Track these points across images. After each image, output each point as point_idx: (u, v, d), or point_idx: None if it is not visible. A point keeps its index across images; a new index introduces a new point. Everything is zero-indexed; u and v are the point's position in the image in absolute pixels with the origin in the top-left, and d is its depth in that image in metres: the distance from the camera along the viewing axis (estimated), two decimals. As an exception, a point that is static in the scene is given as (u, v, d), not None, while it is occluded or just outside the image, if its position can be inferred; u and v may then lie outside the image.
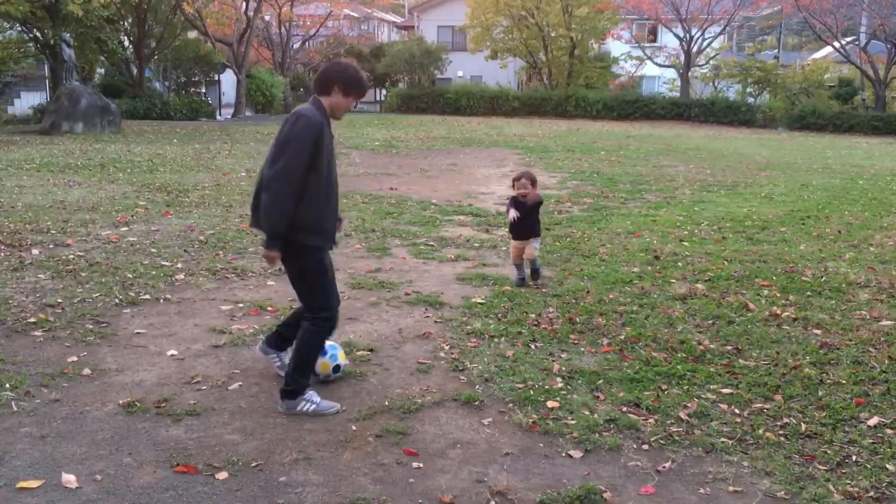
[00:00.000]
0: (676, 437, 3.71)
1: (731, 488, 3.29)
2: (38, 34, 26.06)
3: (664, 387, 4.30)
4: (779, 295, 6.17)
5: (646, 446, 3.64)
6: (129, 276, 6.35)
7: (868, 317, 5.65)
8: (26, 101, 31.23)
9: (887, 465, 3.47)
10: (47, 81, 30.44)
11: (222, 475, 3.28)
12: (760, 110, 32.40)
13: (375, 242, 7.93)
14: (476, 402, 4.08)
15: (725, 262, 7.23)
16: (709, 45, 34.10)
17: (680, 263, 7.20)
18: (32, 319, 5.18)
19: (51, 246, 7.33)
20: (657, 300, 5.97)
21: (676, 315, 5.60)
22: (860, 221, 9.63)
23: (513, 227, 6.39)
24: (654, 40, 38.95)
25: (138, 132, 21.80)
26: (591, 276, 6.69)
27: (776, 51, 43.92)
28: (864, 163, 17.62)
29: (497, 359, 4.69)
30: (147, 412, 3.88)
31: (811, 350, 4.92)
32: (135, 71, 30.75)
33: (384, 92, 45.48)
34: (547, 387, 4.26)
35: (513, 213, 6.25)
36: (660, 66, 35.79)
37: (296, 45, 41.06)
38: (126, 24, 29.88)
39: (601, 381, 4.36)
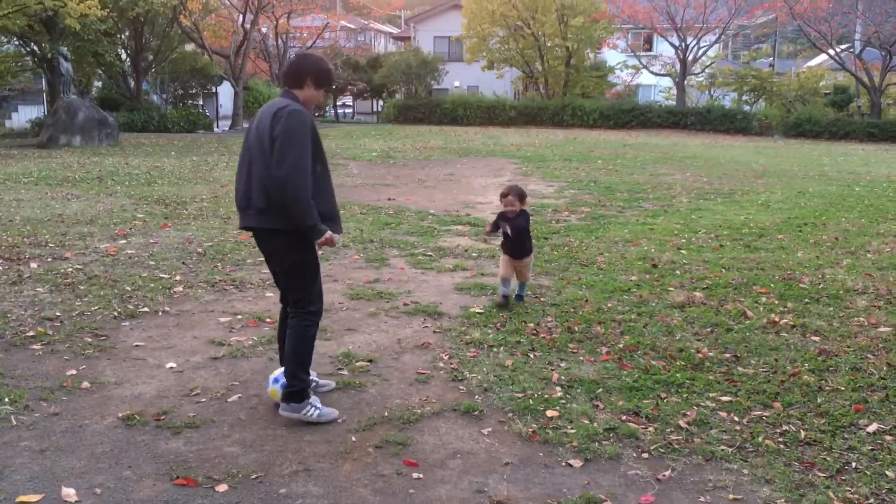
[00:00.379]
0: (676, 446, 3.72)
1: (731, 496, 3.29)
2: (36, 48, 26.14)
3: (663, 395, 4.30)
4: (777, 302, 6.18)
5: (645, 455, 3.64)
6: (128, 288, 6.36)
7: (866, 323, 5.66)
8: (24, 115, 31.31)
9: (887, 472, 3.47)
10: (45, 95, 30.49)
11: (222, 488, 3.28)
12: (756, 118, 32.52)
13: (373, 253, 7.94)
14: (476, 412, 4.08)
15: (723, 270, 7.24)
16: (704, 53, 34.25)
17: (678, 271, 7.22)
18: (31, 333, 5.18)
19: (49, 259, 7.33)
20: (655, 308, 5.98)
21: (675, 323, 5.61)
22: (857, 228, 9.65)
23: (507, 243, 6.05)
24: (650, 49, 39.12)
25: (136, 145, 21.83)
26: (590, 284, 6.70)
27: (771, 59, 44.16)
28: (860, 170, 17.68)
29: (496, 368, 4.69)
30: (146, 425, 3.87)
31: (810, 357, 4.92)
32: (132, 84, 30.83)
33: (381, 103, 45.61)
34: (546, 396, 4.26)
35: (507, 228, 5.95)
36: (656, 74, 35.93)
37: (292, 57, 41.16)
38: (123, 37, 29.96)
39: (600, 390, 4.36)
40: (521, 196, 6.04)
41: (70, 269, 6.92)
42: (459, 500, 3.24)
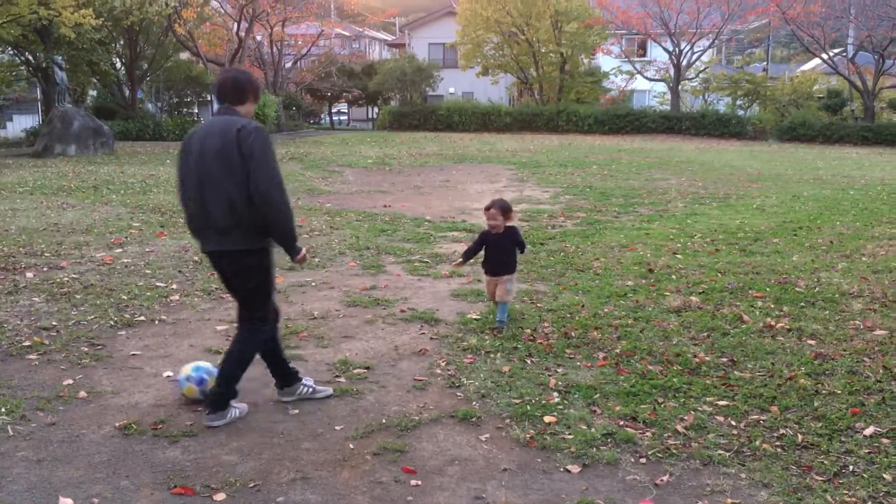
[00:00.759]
0: (674, 450, 3.72)
1: (729, 500, 3.30)
2: (31, 57, 26.15)
3: (660, 400, 4.31)
4: (773, 306, 6.20)
5: (643, 460, 3.64)
6: (124, 297, 6.35)
7: (862, 327, 5.67)
8: (18, 124, 31.27)
9: (884, 475, 3.48)
10: (39, 104, 30.49)
11: (220, 496, 3.28)
12: (750, 122, 32.60)
13: (370, 260, 7.94)
14: (473, 419, 4.08)
15: (719, 275, 7.26)
16: (698, 58, 34.33)
17: (674, 276, 7.23)
18: (27, 343, 5.17)
19: (45, 269, 7.32)
20: (652, 313, 5.99)
21: (671, 328, 5.61)
22: (852, 232, 9.68)
23: (484, 261, 5.80)
24: (644, 55, 39.21)
25: (131, 153, 21.81)
26: (586, 290, 6.71)
27: (765, 63, 44.27)
28: (854, 173, 17.73)
29: (493, 374, 4.69)
30: (144, 434, 3.87)
31: (806, 361, 4.93)
32: (127, 92, 30.83)
33: (376, 109, 45.65)
34: (544, 402, 4.26)
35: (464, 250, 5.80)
36: (650, 80, 36.01)
37: (288, 65, 41.21)
38: (118, 46, 29.99)
39: (598, 396, 4.36)
40: (505, 209, 5.63)
41: (66, 279, 6.91)
42: (458, 506, 3.24)
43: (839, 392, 4.43)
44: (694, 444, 3.79)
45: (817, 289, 6.72)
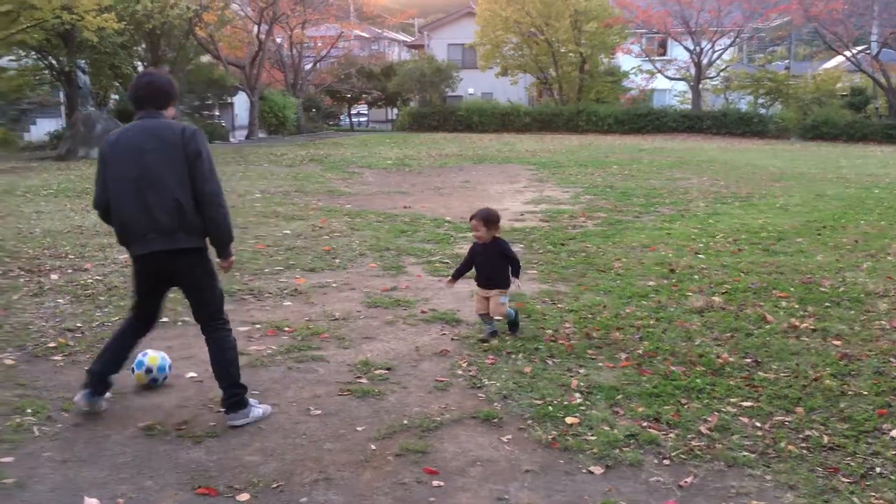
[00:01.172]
0: (698, 452, 3.69)
1: (754, 502, 3.27)
2: (54, 61, 26.43)
3: (684, 401, 4.28)
4: (797, 306, 6.14)
5: (667, 461, 3.62)
6: (147, 299, 6.38)
7: (888, 327, 5.60)
8: (42, 128, 31.63)
9: (912, 477, 3.43)
10: (62, 108, 30.81)
11: (244, 497, 3.29)
12: (772, 121, 32.31)
13: (390, 261, 7.95)
14: (495, 420, 4.08)
15: (742, 275, 7.20)
16: (719, 56, 34.09)
17: (696, 276, 7.18)
18: (52, 344, 5.23)
19: (69, 271, 7.39)
20: (674, 314, 5.95)
21: (694, 328, 5.58)
22: (877, 231, 9.57)
23: (476, 274, 5.58)
24: (664, 53, 39.00)
25: (153, 156, 21.94)
26: (607, 290, 6.68)
27: (787, 61, 43.89)
28: (878, 171, 17.53)
29: (515, 375, 4.68)
30: (167, 434, 3.89)
31: (831, 361, 4.88)
32: (149, 95, 31.04)
33: (395, 111, 45.73)
34: (566, 403, 4.25)
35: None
36: (670, 79, 35.79)
37: (307, 67, 41.39)
38: (140, 49, 30.23)
39: (620, 396, 4.34)
40: (487, 220, 5.37)
41: (90, 280, 6.98)
42: (480, 507, 3.23)
43: (865, 393, 4.37)
44: (718, 445, 3.76)
45: (842, 289, 6.65)
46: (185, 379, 4.67)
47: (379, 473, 3.51)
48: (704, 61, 33.75)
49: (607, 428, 3.93)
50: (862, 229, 9.66)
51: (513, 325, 5.51)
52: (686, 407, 4.20)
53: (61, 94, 28.73)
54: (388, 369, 4.83)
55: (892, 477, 3.44)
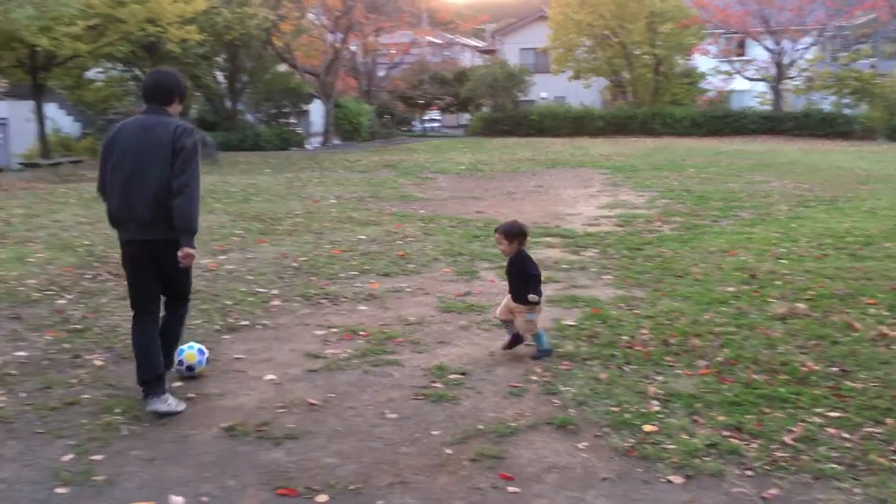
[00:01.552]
0: (782, 463, 3.58)
1: (842, 517, 3.15)
2: (139, 72, 27.38)
3: (767, 410, 4.15)
4: (886, 314, 5.90)
5: (750, 472, 3.52)
6: (228, 302, 6.56)
7: None
8: (128, 137, 32.63)
9: None
10: (147, 117, 31.74)
11: (322, 498, 3.34)
12: (858, 121, 31.19)
13: (463, 266, 7.96)
14: (570, 426, 4.04)
15: (827, 280, 6.96)
16: (801, 56, 33.10)
17: (778, 282, 6.97)
18: (139, 346, 5.39)
19: (154, 275, 7.62)
20: (756, 320, 5.79)
21: (777, 336, 5.41)
22: (973, 235, 9.13)
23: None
24: (743, 54, 38.05)
25: (232, 163, 22.57)
26: (685, 296, 6.54)
27: (873, 60, 42.26)
28: (974, 173, 16.72)
29: (590, 382, 4.63)
30: (248, 435, 3.98)
31: (924, 371, 4.67)
32: (228, 104, 31.92)
33: (468, 116, 45.84)
34: (643, 410, 4.18)
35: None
36: (749, 79, 34.91)
37: (381, 74, 41.86)
38: (220, 59, 31.08)
39: (699, 405, 4.24)
40: (509, 233, 5.16)
41: (174, 284, 7.19)
42: (557, 515, 3.21)
43: (962, 405, 4.17)
44: (803, 456, 3.64)
45: (935, 295, 6.36)
46: (264, 381, 4.76)
47: (454, 478, 3.52)
48: (785, 61, 32.82)
49: (686, 437, 3.85)
50: (956, 233, 9.22)
51: (539, 352, 5.12)
52: (769, 416, 4.08)
53: (145, 105, 29.73)
54: (463, 374, 4.83)
55: None
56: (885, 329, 5.48)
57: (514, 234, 5.16)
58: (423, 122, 49.79)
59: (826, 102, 34.68)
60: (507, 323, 5.25)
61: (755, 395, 4.35)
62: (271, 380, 4.79)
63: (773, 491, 3.35)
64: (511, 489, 3.41)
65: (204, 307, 6.41)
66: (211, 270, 7.82)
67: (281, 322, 6.04)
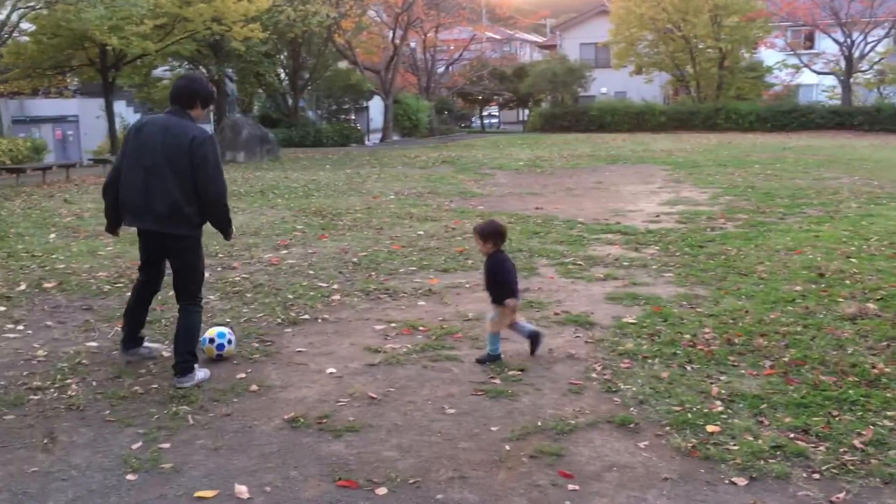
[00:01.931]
0: (851, 467, 3.48)
1: (915, 524, 3.05)
2: (204, 70, 27.97)
3: (835, 413, 4.05)
4: (963, 315, 5.68)
5: (816, 475, 3.43)
6: (290, 296, 6.67)
7: None
8: (193, 134, 33.42)
9: None
10: (211, 114, 32.54)
11: (382, 491, 3.37)
12: (932, 116, 30.10)
13: (522, 262, 7.93)
14: (631, 425, 3.99)
15: (899, 280, 6.74)
16: (872, 48, 32.06)
17: (848, 281, 6.78)
18: (204, 338, 5.52)
19: (219, 269, 7.80)
20: (824, 320, 5.64)
21: (846, 336, 5.27)
22: None
23: None
24: (811, 47, 37.08)
25: (294, 159, 22.90)
26: (750, 294, 6.41)
27: (950, 51, 40.71)
28: None
29: (651, 380, 4.57)
30: (309, 427, 4.04)
31: None
32: (290, 101, 32.39)
33: (527, 112, 45.65)
34: (706, 410, 4.11)
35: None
36: (818, 73, 34.02)
37: (440, 70, 41.98)
38: (282, 57, 31.57)
39: (765, 406, 4.15)
40: (484, 234, 5.11)
41: (238, 279, 7.35)
42: (617, 514, 3.18)
43: None
44: (873, 460, 3.53)
45: None
46: (326, 374, 4.83)
47: (513, 474, 3.52)
48: (856, 54, 31.86)
49: (751, 438, 3.77)
50: None
51: (487, 356, 4.99)
52: (837, 419, 3.97)
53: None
54: (522, 370, 4.82)
55: None
56: (961, 331, 5.28)
57: (490, 234, 5.11)
58: (481, 118, 49.72)
59: (899, 96, 33.57)
60: (511, 327, 5.10)
61: (823, 396, 4.24)
62: (332, 373, 4.85)
63: (841, 495, 3.27)
64: (570, 487, 3.39)
65: (266, 301, 6.52)
66: (273, 265, 7.96)
67: (341, 316, 6.12)
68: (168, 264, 4.89)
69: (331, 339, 5.56)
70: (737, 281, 6.92)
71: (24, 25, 22.47)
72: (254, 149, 22.73)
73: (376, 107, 38.15)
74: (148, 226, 4.67)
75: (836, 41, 32.21)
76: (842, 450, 3.64)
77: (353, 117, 38.35)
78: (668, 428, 3.94)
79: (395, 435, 3.95)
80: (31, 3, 20.64)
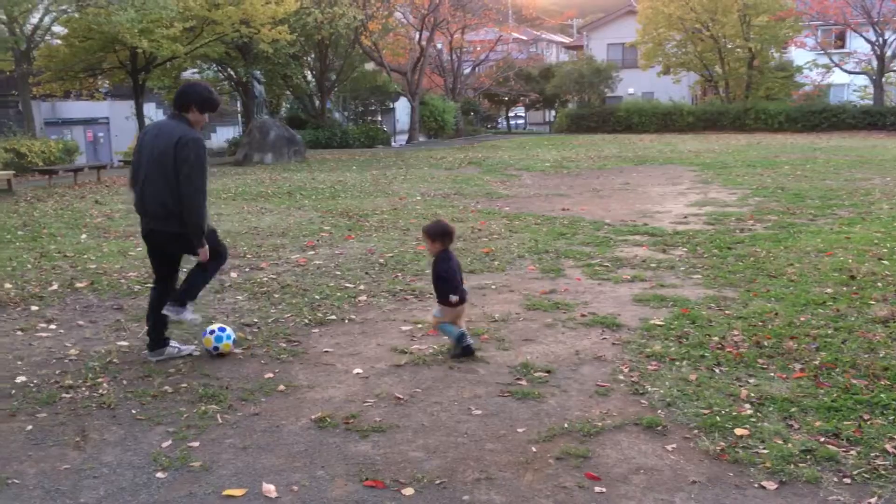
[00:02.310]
0: (882, 472, 3.43)
1: (949, 531, 3.00)
2: (232, 73, 28.23)
3: (866, 416, 3.99)
4: None
5: (847, 480, 3.39)
6: (317, 297, 6.71)
7: None
8: (221, 135, 33.90)
9: None
10: (239, 116, 32.86)
11: (408, 491, 3.38)
12: (968, 116, 29.57)
13: (549, 263, 7.92)
14: (658, 427, 3.97)
15: (933, 283, 6.63)
16: (905, 47, 31.57)
17: (880, 284, 6.68)
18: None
19: (247, 269, 7.87)
20: (855, 323, 5.57)
21: (878, 339, 5.19)
22: None
23: None
24: (843, 46, 36.59)
25: (320, 161, 23.02)
26: (779, 297, 6.34)
27: None
28: None
29: (679, 383, 4.54)
30: (336, 427, 4.06)
31: None
32: (317, 103, 32.57)
33: (553, 113, 45.51)
34: (734, 413, 4.07)
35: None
36: (849, 73, 33.55)
37: (466, 71, 41.97)
38: (309, 59, 31.75)
39: (795, 409, 4.11)
40: (430, 234, 5.19)
41: (265, 279, 7.40)
42: (644, 517, 3.16)
43: None
44: (906, 466, 3.48)
45: None
46: (352, 375, 4.85)
47: (540, 476, 3.51)
48: (888, 53, 31.36)
49: (781, 442, 3.73)
50: None
51: (458, 350, 5.07)
52: (869, 423, 3.92)
53: (238, 104, 30.68)
54: (548, 372, 4.81)
55: None
56: None
57: (437, 234, 5.19)
58: (507, 119, 49.65)
59: (933, 96, 33.03)
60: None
61: (854, 400, 4.18)
62: (359, 373, 4.87)
63: (873, 500, 3.22)
64: (597, 489, 3.38)
65: (294, 301, 6.57)
66: (300, 265, 8.01)
67: (368, 317, 6.14)
68: (187, 257, 5.18)
69: (357, 339, 5.58)
70: (766, 283, 6.85)
71: (57, 29, 22.83)
72: (281, 150, 22.89)
73: (403, 108, 38.25)
74: (151, 226, 4.97)
75: (867, 40, 31.75)
76: (873, 454, 3.59)
77: (379, 118, 38.47)
78: (696, 431, 3.91)
79: (421, 435, 3.96)
80: (63, 7, 20.95)
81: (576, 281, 7.21)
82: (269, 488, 3.41)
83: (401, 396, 4.46)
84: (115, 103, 29.97)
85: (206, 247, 4.94)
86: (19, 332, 5.86)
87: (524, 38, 53.37)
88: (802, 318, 5.71)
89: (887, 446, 3.66)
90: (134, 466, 3.66)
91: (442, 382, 4.67)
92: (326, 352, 5.31)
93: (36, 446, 3.90)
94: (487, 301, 6.55)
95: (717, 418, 4.01)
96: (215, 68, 29.10)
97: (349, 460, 3.69)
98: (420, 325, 5.85)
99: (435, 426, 4.07)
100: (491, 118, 49.30)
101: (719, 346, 5.16)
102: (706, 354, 5.00)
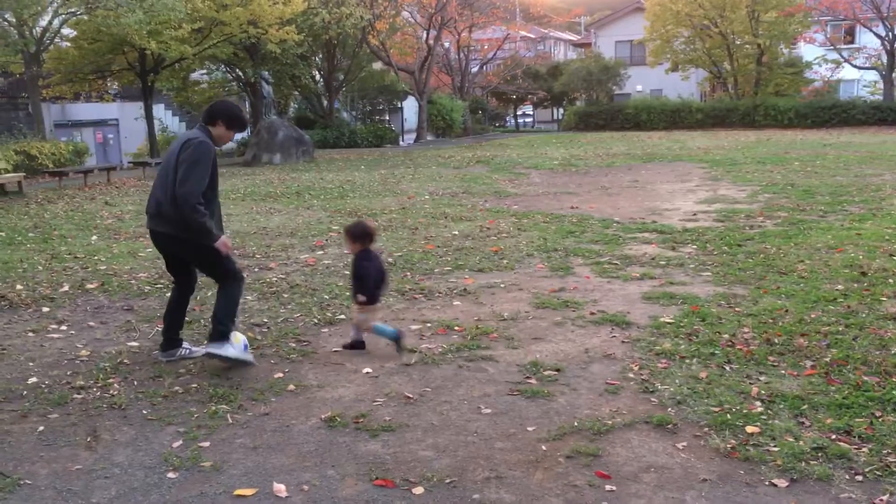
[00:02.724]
0: (895, 469, 3.42)
1: (962, 528, 2.99)
2: (240, 73, 28.28)
3: (878, 414, 3.97)
4: None
5: (859, 477, 3.37)
6: (326, 297, 6.72)
7: None
8: (230, 136, 33.77)
9: None
10: (248, 116, 32.87)
11: (418, 490, 3.39)
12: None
13: (558, 262, 7.91)
14: (669, 425, 3.96)
15: (945, 278, 6.59)
16: (916, 42, 31.37)
17: (891, 280, 6.65)
18: (242, 338, 5.59)
19: (256, 269, 7.89)
20: (866, 320, 5.54)
21: (889, 336, 5.17)
22: None
23: None
24: (852, 41, 36.40)
25: (329, 160, 23.05)
26: (790, 294, 6.32)
27: None
28: None
29: (689, 380, 4.53)
30: (346, 427, 4.07)
31: None
32: (325, 103, 32.60)
33: (561, 110, 45.44)
34: (745, 411, 4.06)
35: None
36: (859, 68, 33.36)
37: (474, 69, 41.94)
38: (317, 59, 31.79)
39: (806, 407, 4.09)
40: (353, 235, 5.31)
41: (274, 279, 7.42)
42: (655, 515, 3.15)
43: None
44: (919, 463, 3.46)
45: None
46: (362, 374, 4.86)
47: (550, 474, 3.51)
48: (898, 47, 31.15)
49: (792, 439, 3.72)
50: None
51: (396, 344, 5.21)
52: (881, 420, 3.90)
53: (247, 104, 30.73)
54: (558, 370, 4.80)
55: None
56: None
57: (358, 235, 5.31)
58: (515, 117, 49.61)
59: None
60: (369, 330, 5.29)
61: (865, 397, 4.17)
62: (368, 373, 4.88)
63: (885, 497, 3.21)
64: (608, 487, 3.38)
65: (303, 301, 6.58)
66: (309, 265, 8.02)
67: (377, 316, 6.13)
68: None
69: (366, 338, 5.58)
70: (776, 280, 6.83)
71: (66, 31, 22.93)
72: (290, 150, 22.93)
73: (410, 107, 38.24)
74: (151, 225, 5.02)
75: (877, 35, 31.56)
76: (885, 451, 3.58)
77: (387, 118, 38.48)
78: (706, 429, 3.90)
79: (431, 434, 3.96)
80: (73, 9, 21.04)
81: (585, 279, 7.20)
82: (280, 488, 3.42)
83: (410, 395, 4.47)
84: (125, 105, 30.06)
85: (221, 239, 4.86)
86: (31, 334, 5.89)
87: (532, 36, 53.31)
88: (813, 315, 5.69)
89: (899, 443, 3.63)
90: (145, 466, 3.68)
91: (451, 381, 4.68)
92: (336, 351, 5.32)
93: (48, 447, 3.92)
94: (496, 300, 6.55)
95: (728, 416, 4.00)
96: (224, 69, 29.16)
97: (359, 460, 3.69)
98: (429, 324, 5.85)
99: (444, 425, 4.07)
100: (499, 116, 49.23)
101: (729, 343, 5.14)
102: (716, 352, 4.99)
